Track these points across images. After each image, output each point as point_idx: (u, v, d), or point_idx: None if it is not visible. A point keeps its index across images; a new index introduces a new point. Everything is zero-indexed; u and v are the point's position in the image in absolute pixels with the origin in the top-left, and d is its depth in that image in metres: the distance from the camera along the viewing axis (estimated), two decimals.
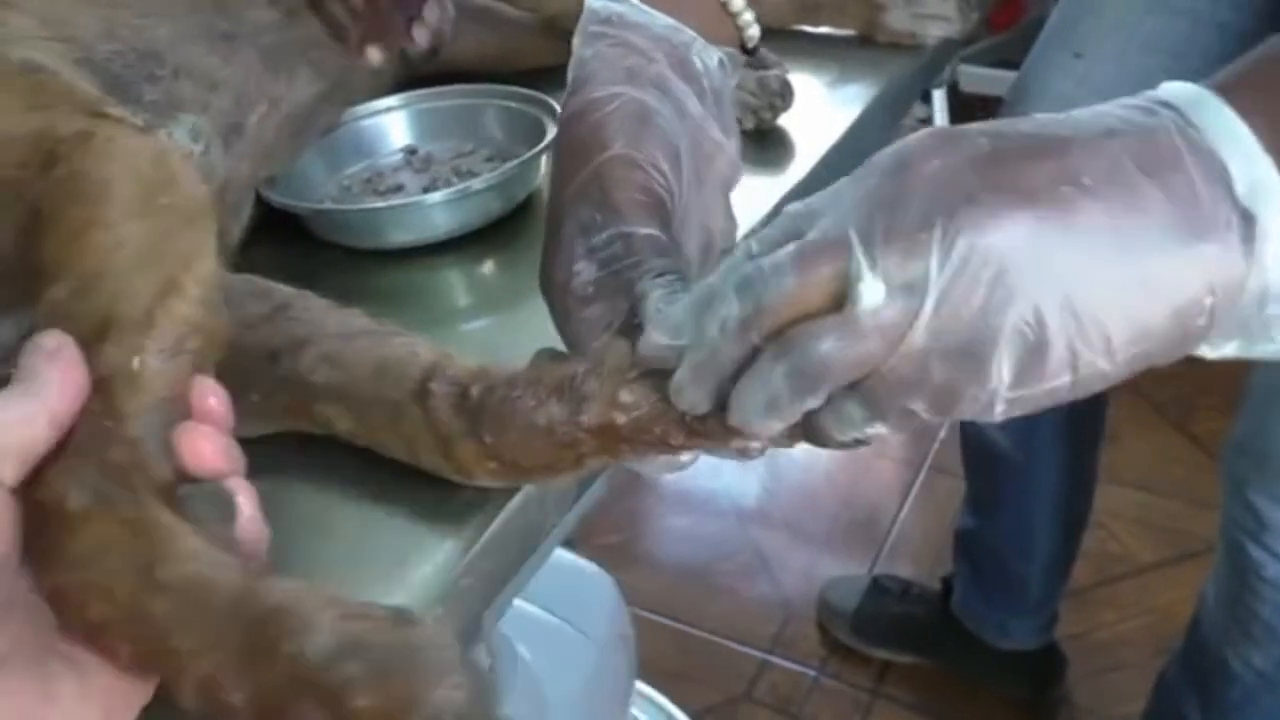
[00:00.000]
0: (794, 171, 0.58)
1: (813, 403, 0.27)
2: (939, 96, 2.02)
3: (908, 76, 0.69)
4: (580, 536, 1.37)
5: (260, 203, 0.55)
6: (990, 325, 0.25)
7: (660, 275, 0.33)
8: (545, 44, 0.68)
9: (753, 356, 0.27)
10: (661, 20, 0.39)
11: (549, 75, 0.61)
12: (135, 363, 0.28)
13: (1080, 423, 1.03)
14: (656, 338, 0.29)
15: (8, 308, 0.34)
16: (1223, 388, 1.46)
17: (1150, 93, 0.27)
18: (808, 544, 1.43)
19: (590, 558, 0.98)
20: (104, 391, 0.27)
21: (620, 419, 0.30)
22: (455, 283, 0.53)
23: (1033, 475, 1.05)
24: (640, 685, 1.10)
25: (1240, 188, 0.25)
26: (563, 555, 0.94)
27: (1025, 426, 1.01)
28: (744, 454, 0.30)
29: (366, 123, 0.61)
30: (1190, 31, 0.74)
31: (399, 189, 0.58)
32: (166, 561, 0.25)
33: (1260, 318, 0.26)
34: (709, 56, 0.39)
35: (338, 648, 0.23)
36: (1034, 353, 0.25)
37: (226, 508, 0.27)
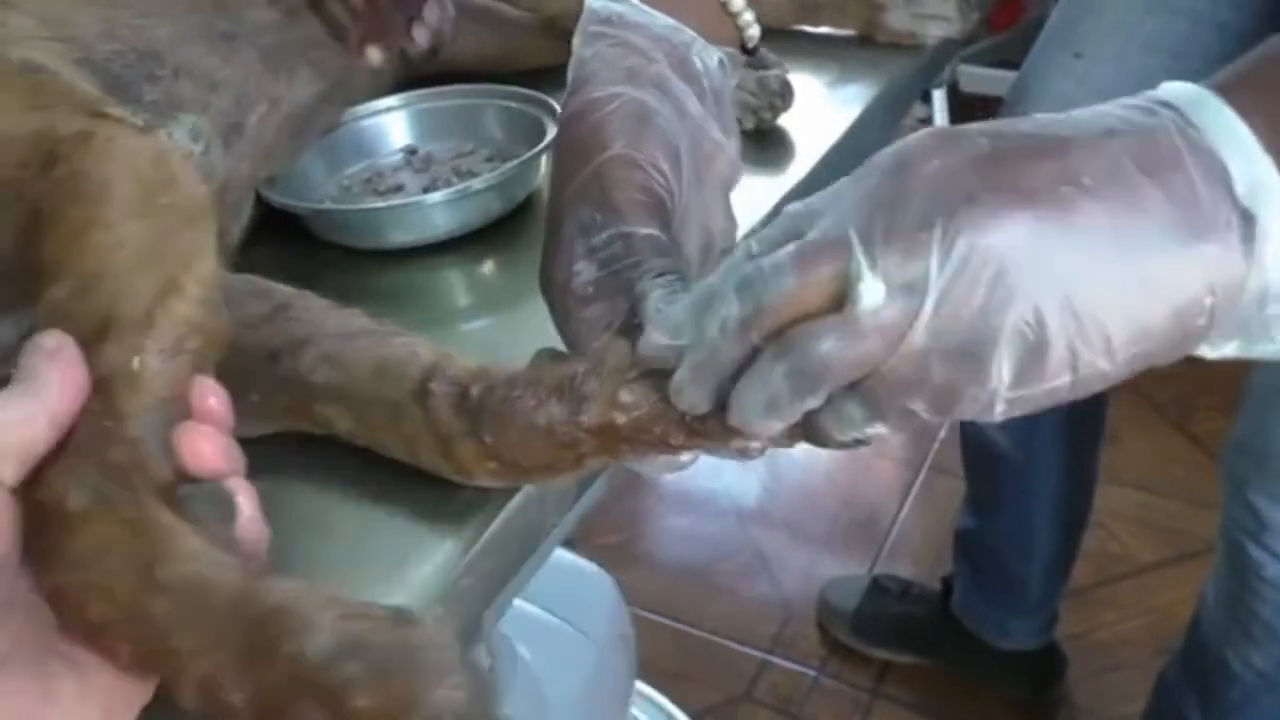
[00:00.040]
0: (794, 171, 0.58)
1: (813, 403, 0.27)
2: (939, 96, 2.02)
3: (908, 76, 0.69)
4: (580, 536, 1.37)
5: (260, 203, 0.55)
6: (990, 325, 0.25)
7: (660, 275, 0.33)
8: (545, 44, 0.68)
9: (753, 357, 0.27)
10: (661, 20, 0.39)
11: (549, 75, 0.61)
12: (135, 363, 0.28)
13: (1080, 423, 1.03)
14: (657, 338, 0.29)
15: (8, 308, 0.34)
16: (1223, 387, 1.46)
17: (1150, 93, 0.27)
18: (808, 544, 1.43)
19: (590, 558, 0.98)
20: (104, 391, 0.27)
21: (620, 419, 0.30)
22: (455, 283, 0.53)
23: (1033, 475, 1.05)
24: (640, 685, 1.10)
25: (1240, 188, 0.25)
26: (563, 555, 0.94)
27: (1025, 426, 1.01)
28: (744, 454, 0.30)
29: (366, 123, 0.61)
30: (1190, 31, 0.74)
31: (399, 189, 0.58)
32: (166, 561, 0.25)
33: (1260, 318, 0.26)
34: (709, 56, 0.39)
35: (338, 648, 0.23)
36: (1034, 353, 0.25)
37: (226, 507, 0.27)
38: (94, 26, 0.47)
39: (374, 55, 0.56)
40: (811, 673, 1.25)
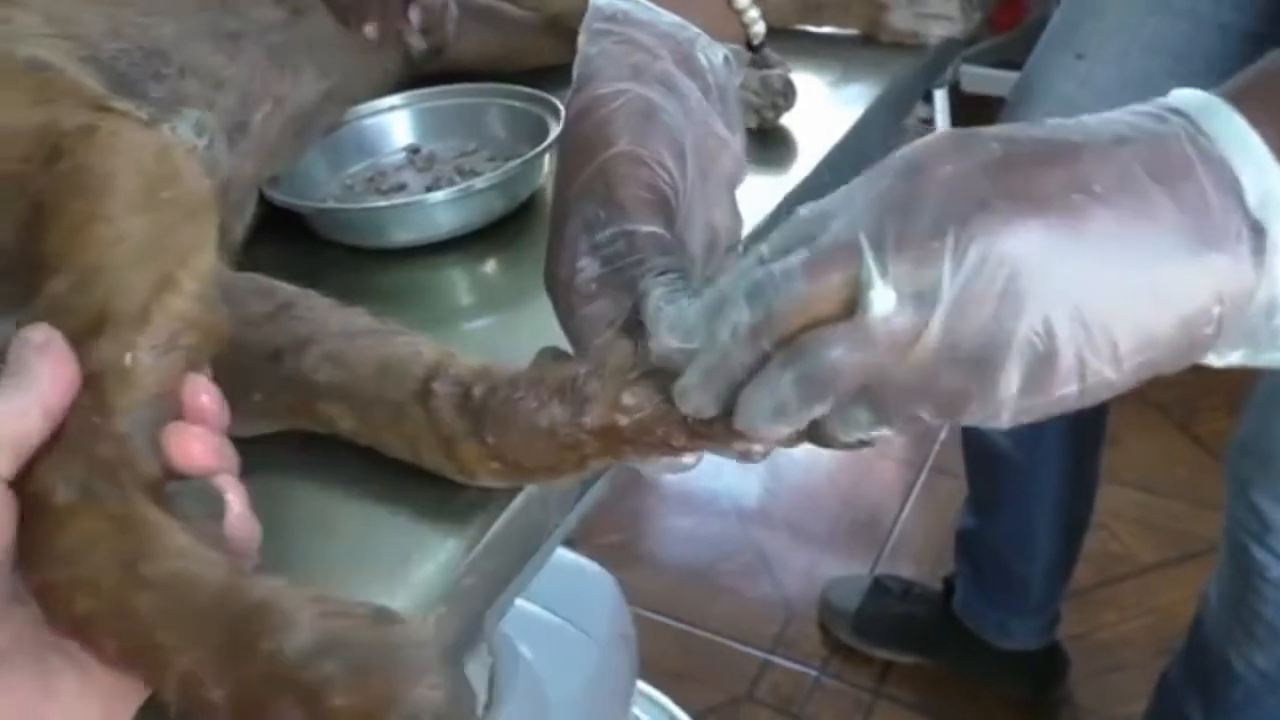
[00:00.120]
0: (797, 171, 0.58)
1: (821, 409, 0.27)
2: (940, 96, 2.01)
3: (910, 76, 0.69)
4: (581, 536, 1.37)
5: (263, 201, 0.55)
6: (1001, 334, 0.25)
7: (662, 274, 0.33)
8: (548, 43, 0.68)
9: (761, 362, 0.27)
10: (666, 17, 0.39)
11: (552, 74, 0.61)
12: (127, 358, 0.27)
13: (1082, 424, 1.03)
14: (668, 341, 0.29)
15: (12, 304, 0.34)
16: (1226, 389, 1.46)
17: (1161, 99, 0.27)
18: (809, 544, 1.43)
19: (592, 557, 0.97)
20: (95, 387, 0.27)
21: (622, 421, 0.30)
22: (458, 282, 0.53)
23: (1034, 476, 1.05)
24: (642, 685, 1.10)
25: (1251, 199, 0.25)
26: (564, 555, 0.94)
27: (1027, 428, 0.99)
28: (746, 457, 0.30)
29: (369, 122, 0.62)
30: (1192, 33, 0.74)
31: (402, 188, 0.58)
32: (152, 557, 0.25)
33: (1268, 327, 0.26)
34: (714, 53, 0.39)
35: (316, 646, 0.23)
36: (1043, 362, 0.25)
37: (215, 504, 0.27)
38: (100, 24, 0.47)
39: (370, 32, 0.56)
40: (813, 673, 1.25)
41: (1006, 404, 0.26)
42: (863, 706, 1.21)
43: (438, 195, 0.52)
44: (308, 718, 0.22)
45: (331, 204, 0.57)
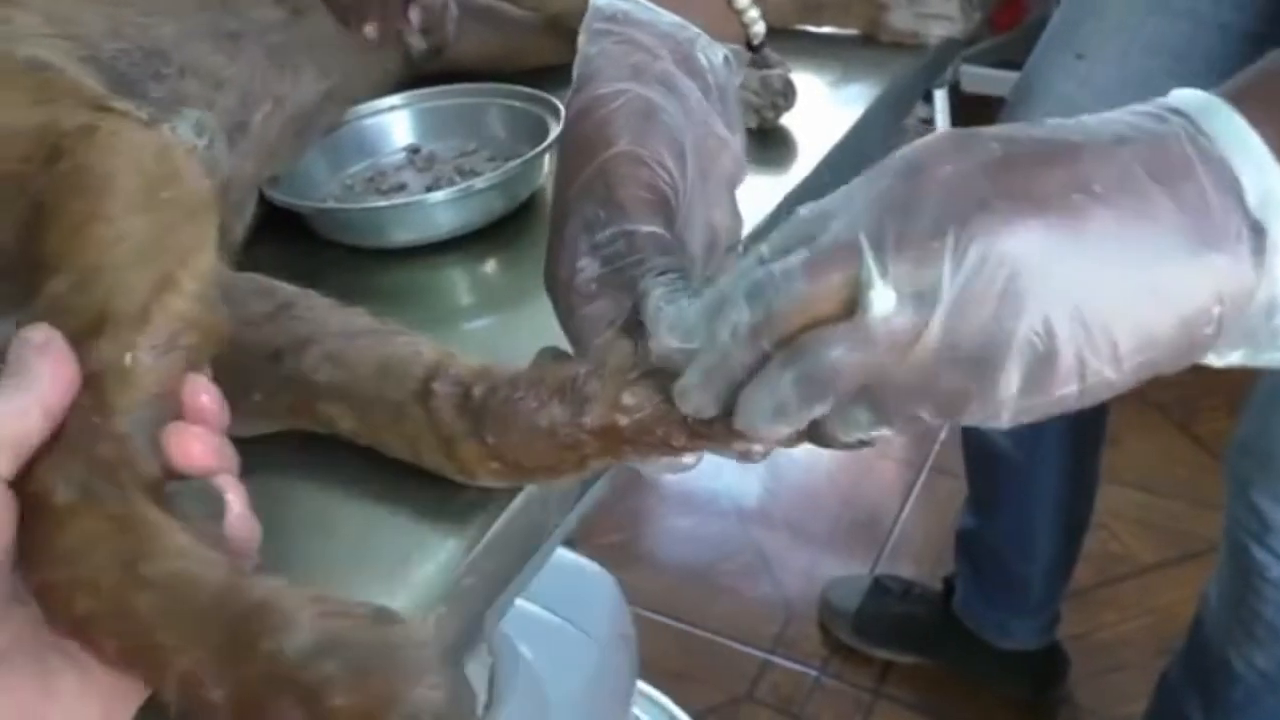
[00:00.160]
0: (797, 171, 0.58)
1: (821, 409, 0.27)
2: (940, 96, 2.01)
3: (910, 76, 0.69)
4: (581, 536, 1.37)
5: (263, 201, 0.55)
6: (1001, 334, 0.25)
7: (662, 274, 0.33)
8: (548, 43, 0.68)
9: (762, 362, 0.27)
10: (667, 17, 0.39)
11: (552, 74, 0.61)
12: (127, 358, 0.27)
13: (1082, 424, 1.03)
14: (669, 341, 0.29)
15: (12, 304, 0.34)
16: (1226, 389, 1.46)
17: (1161, 99, 0.27)
18: (809, 544, 1.43)
19: (591, 557, 0.97)
20: (95, 387, 0.27)
21: (623, 421, 0.30)
22: (458, 282, 0.53)
23: (1034, 476, 1.05)
24: (642, 685, 1.10)
25: (1251, 199, 0.25)
26: (564, 555, 0.94)
27: (1027, 428, 0.99)
28: (746, 456, 0.30)
29: (369, 122, 0.62)
30: (1192, 33, 0.74)
31: (402, 188, 0.58)
32: (151, 557, 0.25)
33: (1268, 328, 0.26)
34: (714, 53, 0.39)
35: (316, 646, 0.23)
36: (1043, 362, 0.25)
37: (215, 504, 0.27)
38: (100, 24, 0.47)
39: (370, 32, 0.56)
40: (813, 673, 1.25)
41: (1006, 404, 0.26)
42: (863, 706, 1.21)
43: (438, 195, 0.52)
44: (308, 718, 0.22)
45: (331, 204, 0.57)
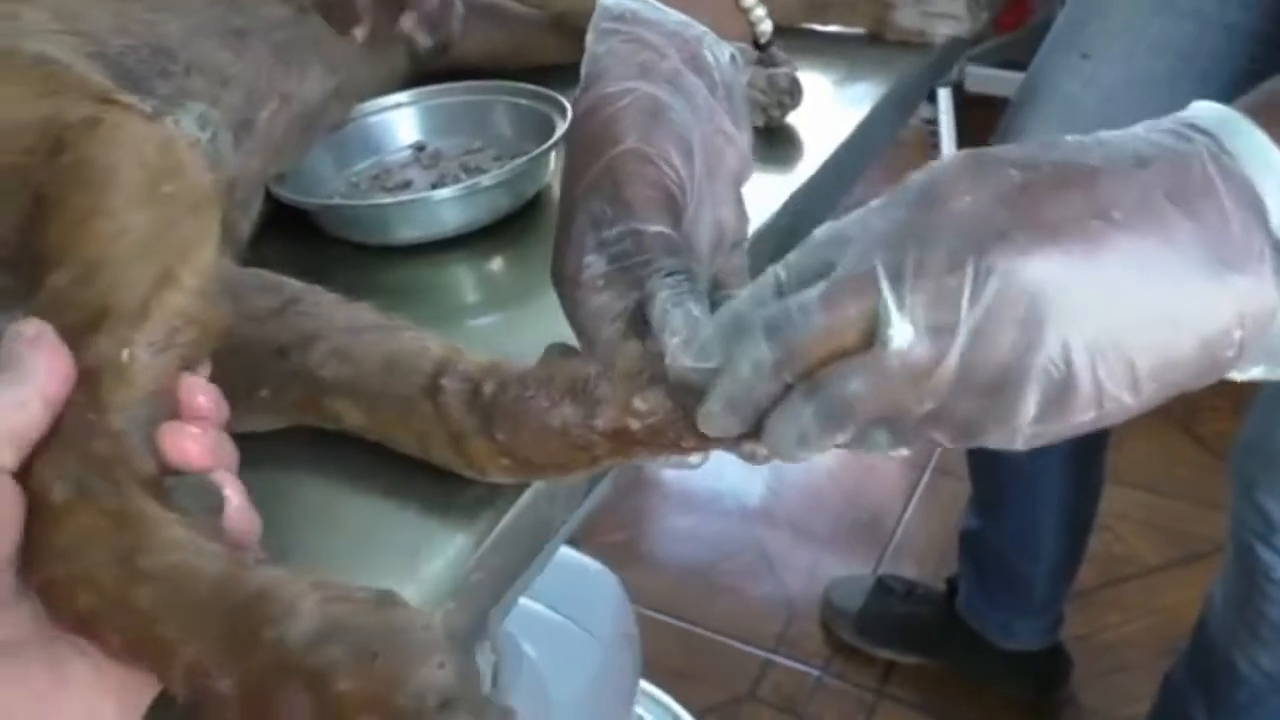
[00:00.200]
0: (802, 170, 0.58)
1: (841, 438, 0.27)
2: (944, 96, 2.01)
3: (916, 75, 0.69)
4: (583, 535, 1.37)
5: (269, 198, 0.55)
6: (1019, 364, 0.25)
7: (669, 274, 0.33)
8: (554, 41, 0.68)
9: (784, 391, 0.28)
10: (674, 16, 0.39)
11: (558, 72, 0.61)
12: (124, 355, 0.27)
13: None
14: (684, 360, 0.29)
15: (14, 298, 0.34)
16: (1229, 390, 1.45)
17: (1181, 114, 0.27)
18: (812, 544, 1.43)
19: (593, 556, 0.98)
20: (91, 382, 0.27)
21: (634, 425, 0.30)
22: (463, 279, 0.53)
23: (1038, 477, 1.05)
24: (644, 684, 1.10)
25: (1275, 218, 0.25)
26: (568, 553, 0.94)
27: None
28: (753, 458, 0.30)
29: (375, 119, 0.62)
30: (1198, 33, 0.74)
31: (407, 185, 0.58)
32: (149, 551, 0.25)
33: None
34: (721, 51, 0.39)
35: (319, 631, 0.23)
36: (1061, 390, 0.25)
37: (213, 499, 0.27)
38: (107, 21, 0.47)
39: (359, 35, 0.55)
40: (815, 672, 1.25)
41: (1023, 430, 0.26)
42: (865, 706, 1.21)
43: (444, 192, 0.52)
44: (315, 704, 0.22)
45: (337, 201, 0.57)
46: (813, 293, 0.27)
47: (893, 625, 1.24)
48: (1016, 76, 0.89)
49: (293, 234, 0.55)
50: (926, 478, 1.50)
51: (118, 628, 0.25)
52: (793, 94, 0.61)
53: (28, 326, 0.27)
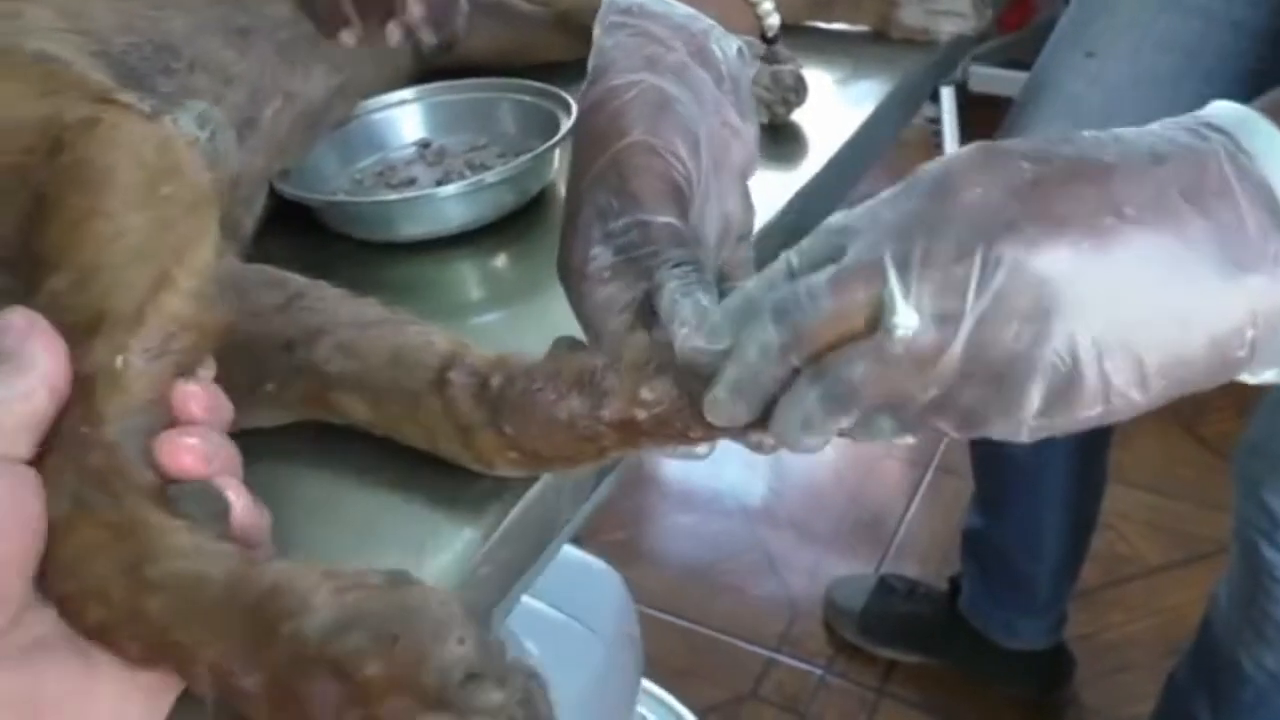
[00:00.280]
0: (807, 167, 0.58)
1: (846, 423, 0.27)
2: (947, 95, 2.01)
3: (921, 73, 0.69)
4: (585, 534, 1.37)
5: (273, 194, 0.55)
6: (1024, 355, 0.25)
7: (677, 266, 0.33)
8: (559, 39, 0.68)
9: (791, 375, 0.28)
10: (681, 9, 0.39)
11: (563, 70, 0.61)
12: (118, 361, 0.27)
13: None
14: (694, 340, 0.29)
15: (16, 297, 0.34)
16: (1233, 391, 1.45)
17: (1199, 113, 0.27)
18: (814, 543, 1.43)
19: (595, 554, 0.97)
20: (86, 392, 0.27)
21: (641, 415, 0.30)
22: (467, 276, 0.53)
23: (1041, 475, 1.05)
24: (646, 683, 1.10)
25: None
26: (571, 552, 0.94)
27: None
28: (759, 447, 0.30)
29: (379, 116, 0.62)
30: (1204, 30, 0.74)
31: (411, 182, 0.58)
32: (155, 560, 0.25)
33: None
34: (727, 44, 0.39)
35: (336, 621, 0.23)
36: (1066, 383, 0.25)
37: (217, 504, 0.27)
38: (110, 19, 0.47)
39: (346, 39, 0.55)
40: (818, 671, 1.25)
41: (1027, 422, 0.26)
42: (867, 705, 1.21)
43: (448, 189, 0.52)
44: (343, 691, 0.22)
45: (341, 197, 0.57)
46: (821, 277, 0.27)
47: (895, 624, 1.24)
48: (1020, 76, 0.89)
49: (297, 230, 0.55)
50: (929, 476, 1.50)
51: (134, 637, 0.25)
52: (797, 91, 0.61)
53: (17, 317, 0.27)
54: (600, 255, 0.34)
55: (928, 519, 1.44)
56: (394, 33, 0.56)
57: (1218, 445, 1.46)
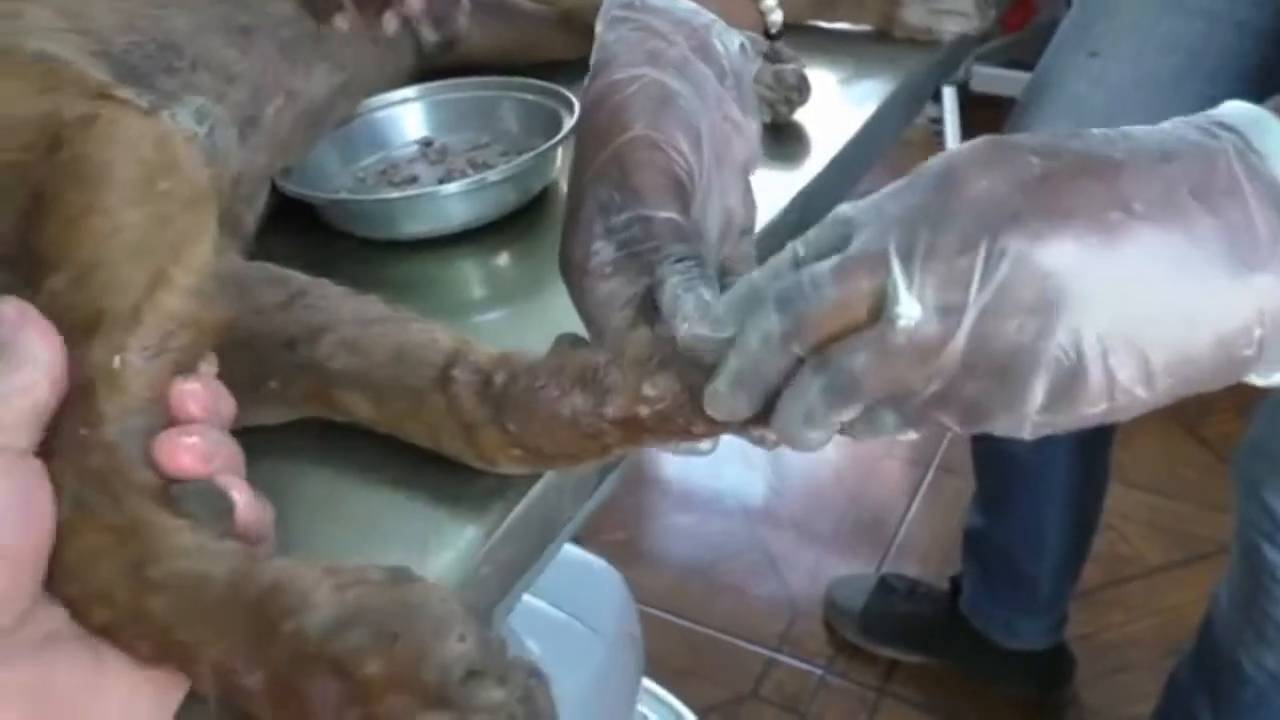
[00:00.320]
0: (809, 167, 0.58)
1: (848, 415, 0.27)
2: (949, 95, 2.01)
3: (924, 73, 0.69)
4: (585, 533, 1.37)
5: (275, 192, 0.55)
6: (1028, 350, 0.25)
7: (679, 261, 0.33)
8: (562, 37, 0.68)
9: (794, 367, 0.27)
10: (683, 4, 0.39)
11: (566, 68, 0.61)
12: (116, 361, 0.27)
13: None
14: (698, 327, 0.29)
15: (16, 295, 0.34)
16: (1234, 392, 1.45)
17: (1210, 112, 0.27)
18: (815, 543, 1.43)
19: (596, 554, 0.97)
20: (85, 393, 0.27)
21: (644, 412, 0.30)
22: (469, 274, 0.53)
23: (1043, 474, 1.05)
24: (647, 682, 1.10)
25: None
26: (572, 551, 0.94)
27: None
28: (761, 442, 0.30)
29: (382, 114, 0.61)
30: (1208, 31, 0.74)
31: (414, 180, 0.58)
32: (156, 561, 0.25)
33: None
34: (730, 39, 0.39)
35: (337, 619, 0.23)
36: (1071, 378, 0.25)
37: (221, 503, 0.27)
38: (111, 18, 0.47)
39: (340, 23, 0.55)
40: (818, 671, 1.25)
41: (1030, 417, 0.26)
42: (868, 705, 1.21)
43: (451, 187, 0.52)
44: (344, 690, 0.22)
45: (343, 195, 0.57)
46: (825, 266, 0.27)
47: (896, 624, 1.24)
48: (1021, 76, 0.90)
49: (298, 228, 0.55)
50: (930, 476, 1.50)
51: (139, 637, 0.25)
52: (800, 90, 0.60)
53: (8, 308, 0.27)
54: (602, 250, 0.33)
55: (928, 518, 1.44)
56: (390, 22, 0.56)
57: (1218, 446, 1.46)
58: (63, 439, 0.26)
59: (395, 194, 0.55)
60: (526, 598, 0.83)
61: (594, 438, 0.31)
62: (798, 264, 0.28)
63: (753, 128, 0.38)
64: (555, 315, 0.36)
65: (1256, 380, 0.27)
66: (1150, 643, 1.22)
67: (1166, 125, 0.27)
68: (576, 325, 0.35)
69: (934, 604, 1.23)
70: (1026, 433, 0.26)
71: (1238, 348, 0.25)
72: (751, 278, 0.29)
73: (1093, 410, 0.26)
